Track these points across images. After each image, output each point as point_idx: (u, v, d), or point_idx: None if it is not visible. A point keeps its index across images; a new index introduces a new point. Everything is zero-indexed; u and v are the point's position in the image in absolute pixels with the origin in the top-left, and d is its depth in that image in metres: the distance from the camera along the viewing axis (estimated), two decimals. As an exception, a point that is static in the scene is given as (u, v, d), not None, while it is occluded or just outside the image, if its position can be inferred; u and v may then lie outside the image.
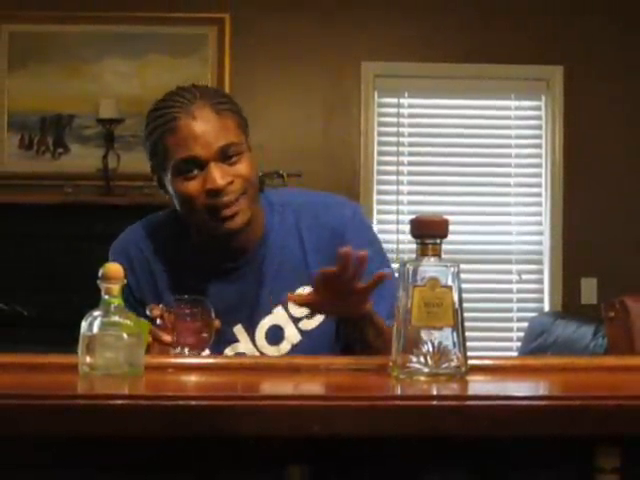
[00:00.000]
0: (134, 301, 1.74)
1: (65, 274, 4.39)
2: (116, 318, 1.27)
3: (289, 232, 1.79)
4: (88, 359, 1.26)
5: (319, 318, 1.77)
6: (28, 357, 1.40)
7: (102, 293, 1.28)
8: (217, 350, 1.71)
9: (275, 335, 1.77)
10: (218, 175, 1.66)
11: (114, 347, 1.26)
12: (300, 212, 1.81)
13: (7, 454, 1.15)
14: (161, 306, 1.61)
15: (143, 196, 4.42)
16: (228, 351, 1.75)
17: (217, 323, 1.62)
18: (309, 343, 1.76)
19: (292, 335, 1.77)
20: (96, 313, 1.27)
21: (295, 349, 1.76)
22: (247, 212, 1.70)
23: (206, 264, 1.79)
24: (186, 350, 1.57)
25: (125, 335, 1.27)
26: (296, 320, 1.77)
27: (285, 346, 1.76)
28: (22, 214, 4.48)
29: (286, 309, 1.77)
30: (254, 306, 1.76)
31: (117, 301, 1.28)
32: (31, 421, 1.09)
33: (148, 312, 1.60)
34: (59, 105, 4.72)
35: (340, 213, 1.81)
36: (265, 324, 1.77)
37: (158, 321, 1.58)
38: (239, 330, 1.76)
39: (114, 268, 1.29)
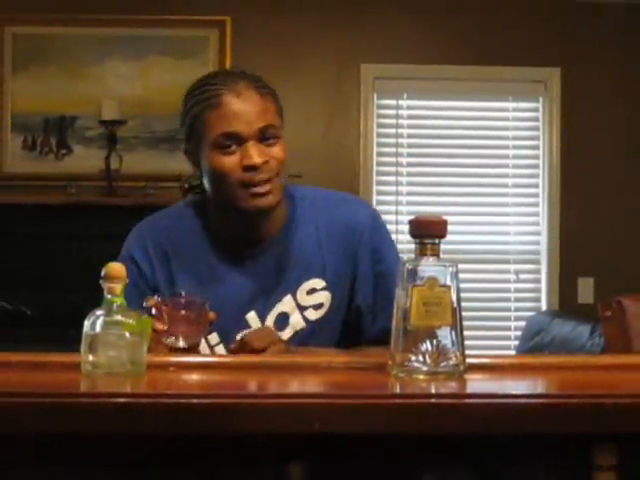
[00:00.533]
0: (147, 288, 1.77)
1: (68, 273, 4.40)
2: (118, 317, 1.27)
3: (307, 225, 1.82)
4: (91, 358, 1.26)
5: (325, 309, 1.80)
6: (31, 355, 1.41)
7: (104, 292, 1.28)
8: (229, 337, 1.74)
9: (281, 321, 1.79)
10: (255, 153, 1.71)
11: (116, 346, 1.26)
12: (318, 207, 1.84)
13: (10, 452, 1.16)
14: (156, 297, 1.64)
15: (145, 197, 4.44)
16: (240, 337, 1.75)
17: (212, 315, 1.65)
18: (310, 331, 1.79)
19: (297, 322, 1.79)
20: (99, 312, 1.27)
21: (297, 335, 1.79)
22: (277, 194, 1.75)
23: (223, 253, 1.81)
24: (180, 340, 1.60)
25: (127, 334, 1.26)
26: (303, 308, 1.80)
27: (288, 332, 1.78)
28: (25, 214, 4.50)
29: (294, 297, 1.80)
30: (268, 294, 1.79)
31: (119, 300, 1.28)
32: (34, 419, 1.10)
33: (144, 304, 1.62)
34: (62, 106, 4.72)
35: (357, 212, 1.85)
36: (275, 311, 1.79)
37: (153, 311, 1.61)
38: (252, 317, 1.78)
39: (116, 268, 1.30)
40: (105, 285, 1.29)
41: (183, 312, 1.62)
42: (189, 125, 1.77)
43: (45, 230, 4.49)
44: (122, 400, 1.12)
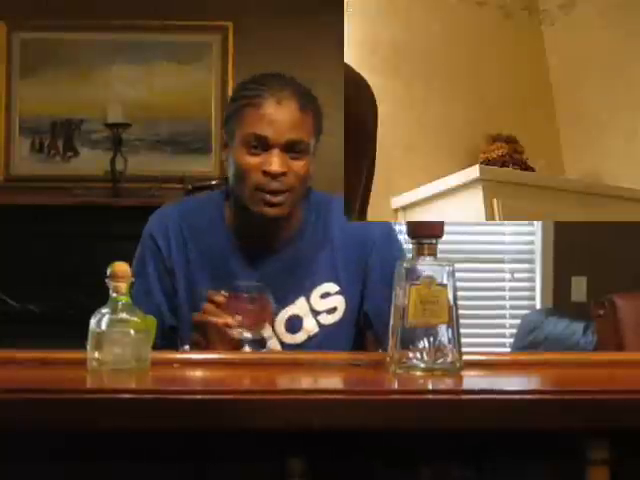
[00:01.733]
0: (164, 269, 1.82)
1: (74, 272, 4.41)
2: (124, 315, 1.30)
3: (322, 230, 1.86)
4: (97, 355, 1.28)
5: (339, 314, 1.83)
6: (38, 352, 1.42)
7: (110, 291, 1.31)
8: None
9: (294, 324, 1.82)
10: (277, 162, 1.73)
11: (122, 343, 1.28)
12: (333, 211, 1.87)
13: (15, 448, 1.18)
14: (222, 292, 1.67)
15: (149, 198, 4.45)
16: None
17: (273, 307, 1.69)
18: (325, 336, 1.82)
19: (310, 326, 1.82)
20: (104, 310, 1.30)
21: (310, 340, 1.81)
22: (287, 207, 1.77)
23: (238, 247, 1.84)
24: (246, 332, 1.64)
25: (132, 332, 1.29)
26: (316, 313, 1.82)
27: (301, 336, 1.81)
28: (32, 215, 4.51)
29: (308, 301, 1.82)
30: (279, 295, 1.78)
31: (124, 299, 1.31)
32: (40, 415, 1.12)
33: (208, 297, 1.66)
34: (69, 110, 4.72)
35: (374, 223, 1.87)
36: (286, 313, 1.82)
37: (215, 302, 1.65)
38: None
39: (122, 267, 1.32)
40: (110, 284, 1.31)
41: (247, 305, 1.64)
42: (228, 114, 1.80)
43: (51, 230, 4.50)
44: (127, 396, 1.15)
